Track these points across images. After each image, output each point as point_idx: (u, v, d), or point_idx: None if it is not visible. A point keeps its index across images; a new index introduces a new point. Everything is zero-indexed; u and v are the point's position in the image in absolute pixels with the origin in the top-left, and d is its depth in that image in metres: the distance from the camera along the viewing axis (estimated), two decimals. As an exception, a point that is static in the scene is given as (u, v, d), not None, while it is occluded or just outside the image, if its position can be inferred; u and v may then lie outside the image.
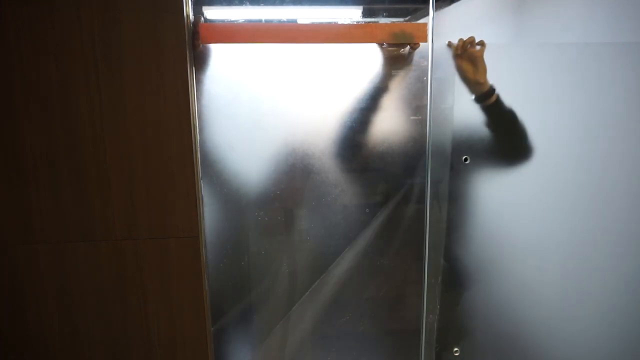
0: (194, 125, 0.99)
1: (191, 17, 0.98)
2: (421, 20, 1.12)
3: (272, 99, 1.09)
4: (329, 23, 1.11)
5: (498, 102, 1.13)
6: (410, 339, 1.23)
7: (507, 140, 1.16)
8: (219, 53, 1.05)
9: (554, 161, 1.18)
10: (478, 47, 1.10)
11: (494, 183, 1.18)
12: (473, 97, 1.12)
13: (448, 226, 1.18)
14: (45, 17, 0.90)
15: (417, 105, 1.13)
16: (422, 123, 1.13)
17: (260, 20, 1.10)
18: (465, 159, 1.15)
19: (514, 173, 1.18)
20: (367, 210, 1.16)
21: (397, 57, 1.11)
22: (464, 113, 1.14)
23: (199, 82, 1.04)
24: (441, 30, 1.09)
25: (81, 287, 1.01)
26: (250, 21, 1.08)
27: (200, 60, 1.04)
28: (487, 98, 1.12)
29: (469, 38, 1.09)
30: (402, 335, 1.23)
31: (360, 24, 1.10)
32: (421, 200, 1.16)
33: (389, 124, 1.13)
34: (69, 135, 0.95)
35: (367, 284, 1.20)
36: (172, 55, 0.94)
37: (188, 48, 0.96)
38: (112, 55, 0.93)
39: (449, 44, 1.10)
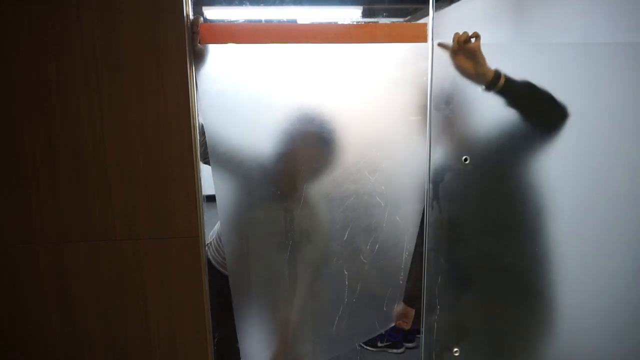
0: (194, 125, 0.99)
1: (191, 17, 0.98)
2: (421, 20, 1.12)
3: (272, 99, 1.09)
4: (329, 23, 1.11)
5: (509, 80, 1.11)
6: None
7: (538, 108, 1.13)
8: (218, 53, 1.05)
9: (553, 161, 1.18)
10: (473, 40, 1.09)
11: (494, 183, 1.18)
12: (482, 88, 1.11)
13: (448, 226, 1.18)
14: (45, 17, 0.90)
15: (417, 105, 1.13)
16: (422, 123, 1.13)
17: (260, 20, 1.10)
18: (465, 159, 1.15)
19: (516, 170, 1.18)
20: (367, 209, 1.16)
21: (397, 57, 1.11)
22: (464, 113, 1.13)
23: (199, 82, 1.04)
24: (441, 30, 1.09)
25: (81, 287, 1.01)
26: (250, 21, 1.08)
27: (200, 60, 1.04)
28: (496, 83, 1.10)
29: (463, 34, 1.08)
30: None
31: (360, 24, 1.10)
32: (420, 200, 1.16)
33: (389, 123, 1.13)
34: (69, 135, 0.95)
35: (367, 284, 1.20)
36: (172, 55, 0.94)
37: (188, 48, 0.96)
38: (112, 55, 0.93)
39: (440, 45, 1.09)
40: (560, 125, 1.15)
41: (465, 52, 1.08)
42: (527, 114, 1.13)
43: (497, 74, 1.10)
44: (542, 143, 1.17)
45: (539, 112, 1.15)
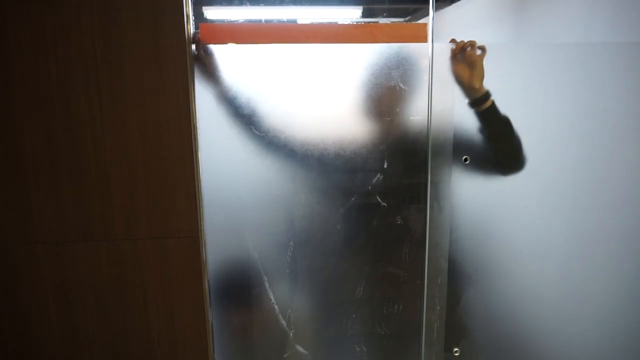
0: (194, 125, 0.99)
1: (191, 17, 0.98)
2: (421, 21, 1.12)
3: (272, 99, 1.09)
4: (329, 23, 1.11)
5: (492, 108, 1.12)
6: (410, 339, 1.23)
7: (499, 148, 1.15)
8: (218, 53, 1.05)
9: (554, 161, 1.18)
10: (479, 52, 1.09)
11: (495, 183, 1.18)
12: (467, 101, 1.12)
13: (448, 226, 1.18)
14: (45, 17, 0.90)
15: (417, 105, 1.13)
16: (422, 123, 1.13)
17: (260, 20, 1.10)
18: (465, 159, 1.15)
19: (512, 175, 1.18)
20: (367, 210, 1.16)
21: (397, 57, 1.11)
22: (464, 113, 1.14)
23: (199, 82, 1.04)
24: (441, 31, 1.09)
25: (81, 287, 1.01)
26: (250, 21, 1.08)
27: (200, 61, 1.03)
28: (481, 103, 1.12)
29: (470, 41, 1.08)
30: (402, 336, 1.23)
31: (360, 24, 1.10)
32: (421, 200, 1.16)
33: (389, 123, 1.13)
34: (69, 135, 0.95)
35: (367, 285, 1.20)
36: (172, 55, 0.94)
37: (188, 48, 0.96)
38: (112, 55, 0.93)
39: (452, 41, 1.09)
40: (510, 173, 1.17)
41: (466, 58, 1.09)
42: (492, 146, 1.15)
43: (487, 95, 1.11)
44: (489, 175, 1.18)
45: (502, 150, 1.16)
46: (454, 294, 1.22)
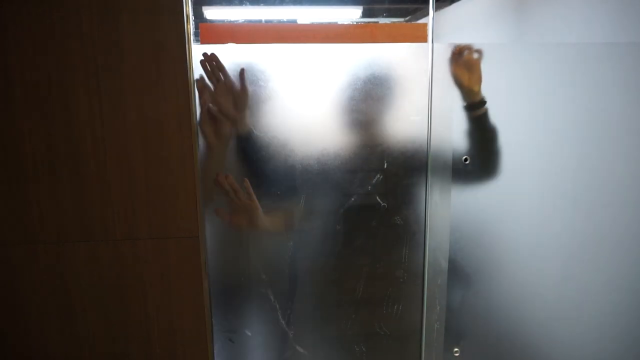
0: (194, 126, 0.99)
1: (191, 17, 0.98)
2: (421, 20, 1.12)
3: (272, 99, 1.09)
4: (329, 23, 1.11)
5: (485, 116, 1.13)
6: (410, 339, 1.23)
7: (480, 156, 1.16)
8: (218, 53, 1.05)
9: (554, 161, 1.18)
10: (476, 55, 1.10)
11: (495, 183, 1.18)
12: (464, 104, 1.12)
13: (448, 226, 1.18)
14: (45, 17, 0.90)
15: (417, 105, 1.13)
16: (422, 123, 1.13)
17: (260, 20, 1.10)
18: (465, 159, 1.15)
19: (512, 173, 1.18)
20: (367, 210, 1.16)
21: (397, 57, 1.11)
22: (464, 113, 1.14)
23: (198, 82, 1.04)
24: (441, 30, 1.09)
25: (81, 287, 1.01)
26: (250, 21, 1.08)
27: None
28: (477, 108, 1.13)
29: (466, 45, 1.09)
30: (402, 336, 1.23)
31: (360, 24, 1.10)
32: (421, 200, 1.16)
33: (389, 124, 1.13)
34: (69, 135, 0.95)
35: (367, 285, 1.20)
36: (172, 55, 0.94)
37: (188, 48, 0.96)
38: (112, 55, 0.93)
39: (451, 45, 1.10)
40: (480, 182, 1.18)
41: (464, 62, 1.10)
42: (474, 152, 1.15)
43: (483, 102, 1.12)
44: (464, 182, 1.18)
45: (481, 158, 1.16)
46: (454, 294, 1.22)
